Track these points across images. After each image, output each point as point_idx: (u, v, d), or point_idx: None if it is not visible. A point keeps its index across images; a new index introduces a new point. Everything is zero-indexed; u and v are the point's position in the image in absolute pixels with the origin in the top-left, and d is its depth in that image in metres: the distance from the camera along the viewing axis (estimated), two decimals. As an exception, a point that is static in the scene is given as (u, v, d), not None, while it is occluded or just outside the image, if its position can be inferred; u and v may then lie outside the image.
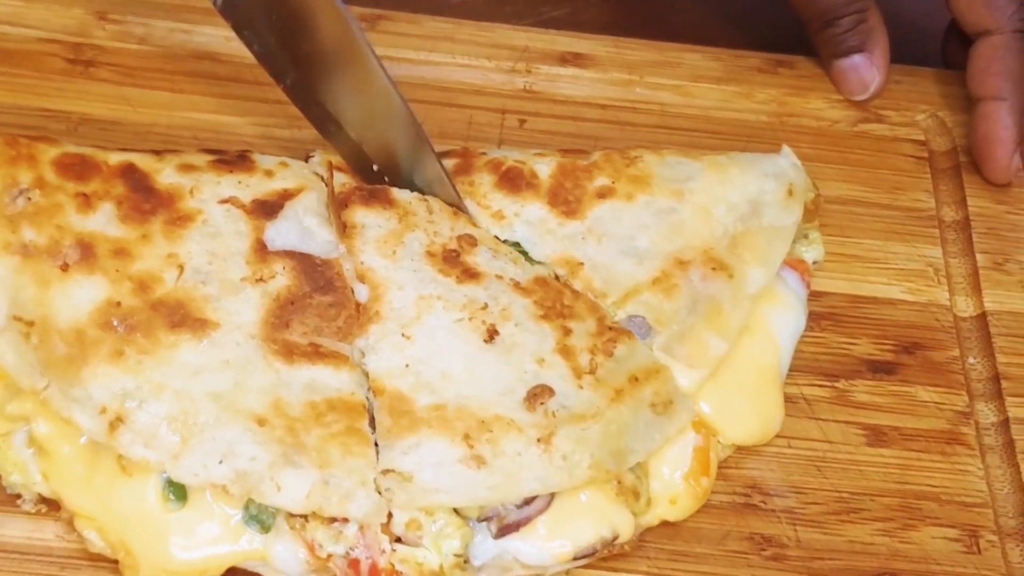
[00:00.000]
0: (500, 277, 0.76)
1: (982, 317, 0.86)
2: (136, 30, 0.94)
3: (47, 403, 0.69)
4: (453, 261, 0.76)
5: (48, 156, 0.76)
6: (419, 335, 0.72)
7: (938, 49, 1.01)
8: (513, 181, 0.81)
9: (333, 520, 0.68)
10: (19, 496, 0.72)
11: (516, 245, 0.79)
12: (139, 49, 0.93)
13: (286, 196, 0.77)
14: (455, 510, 0.69)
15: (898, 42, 0.96)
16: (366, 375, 0.72)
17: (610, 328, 0.75)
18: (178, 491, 0.69)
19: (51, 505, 0.72)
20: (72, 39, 0.93)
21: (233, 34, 0.93)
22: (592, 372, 0.72)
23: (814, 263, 0.85)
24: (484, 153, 0.83)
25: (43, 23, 0.93)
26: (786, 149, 0.85)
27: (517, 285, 0.75)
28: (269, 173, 0.79)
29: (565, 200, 0.80)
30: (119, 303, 0.71)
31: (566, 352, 0.73)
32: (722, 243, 0.79)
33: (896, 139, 0.96)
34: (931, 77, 0.99)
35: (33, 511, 0.72)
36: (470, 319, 0.73)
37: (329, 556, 0.68)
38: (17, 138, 0.77)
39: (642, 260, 0.78)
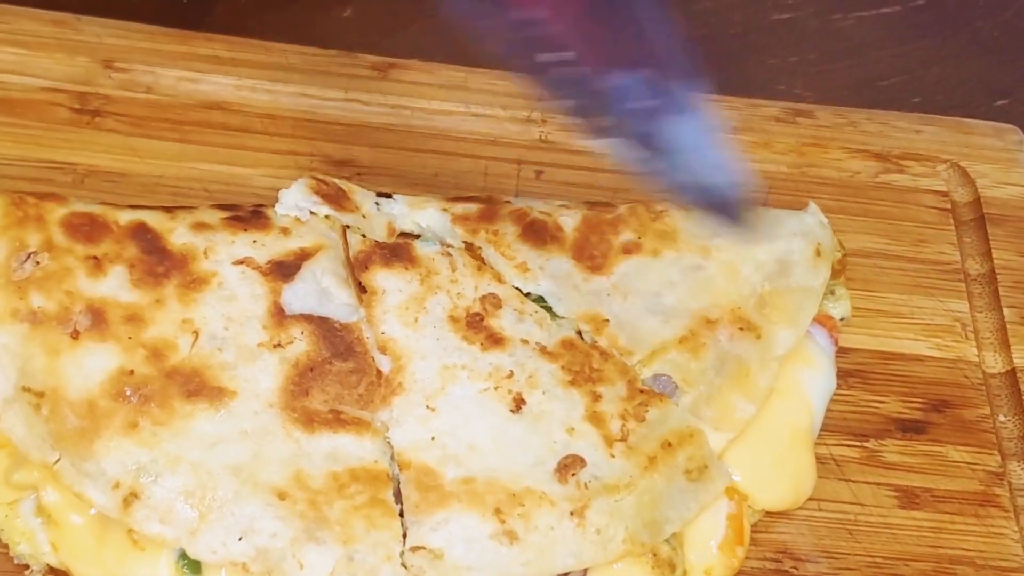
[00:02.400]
0: (526, 342, 0.74)
1: (1011, 373, 0.85)
2: (143, 79, 0.91)
3: (58, 477, 0.67)
4: (477, 326, 0.74)
5: (56, 216, 0.73)
6: (444, 406, 0.70)
7: (960, 100, 1.00)
8: (538, 233, 0.79)
9: (356, 595, 0.66)
10: (27, 567, 0.70)
11: (540, 299, 0.77)
12: (146, 98, 0.91)
13: (303, 256, 0.75)
14: (484, 587, 0.67)
15: (919, 91, 0.95)
16: (390, 445, 0.70)
17: (641, 391, 0.73)
18: (192, 564, 0.67)
19: (60, 576, 0.70)
20: (78, 88, 0.90)
21: (243, 82, 0.93)
22: (624, 439, 0.70)
23: (841, 319, 0.84)
24: (508, 201, 0.81)
25: (47, 72, 0.90)
26: (813, 207, 0.83)
27: (544, 350, 0.74)
28: (285, 231, 0.76)
29: (591, 255, 0.78)
30: (132, 372, 0.69)
31: (596, 419, 0.71)
32: (750, 302, 0.78)
33: (918, 190, 0.94)
34: (951, 126, 0.98)
35: (42, 583, 0.70)
36: (496, 388, 0.71)
37: (352, 634, 0.66)
38: (24, 197, 0.74)
39: (668, 318, 0.76)
